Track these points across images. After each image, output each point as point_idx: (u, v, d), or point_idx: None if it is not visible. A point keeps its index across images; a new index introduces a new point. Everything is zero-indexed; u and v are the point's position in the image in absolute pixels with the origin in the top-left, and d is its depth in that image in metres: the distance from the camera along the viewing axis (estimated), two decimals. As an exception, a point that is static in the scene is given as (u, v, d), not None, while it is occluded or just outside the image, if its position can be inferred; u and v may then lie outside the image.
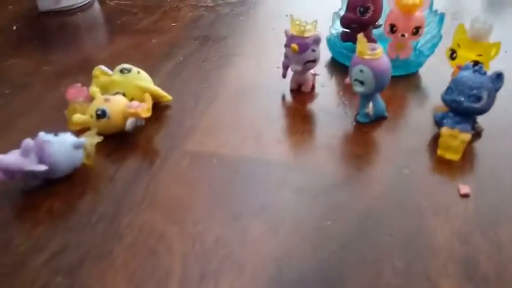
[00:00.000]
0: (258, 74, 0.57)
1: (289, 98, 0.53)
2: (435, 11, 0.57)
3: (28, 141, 0.38)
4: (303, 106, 0.51)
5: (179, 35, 0.68)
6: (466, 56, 0.48)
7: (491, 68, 0.48)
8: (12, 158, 0.38)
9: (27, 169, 0.38)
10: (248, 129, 0.48)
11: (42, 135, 0.39)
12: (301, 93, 0.53)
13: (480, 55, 0.47)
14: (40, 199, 0.40)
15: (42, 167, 0.38)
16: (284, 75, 0.53)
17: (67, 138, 0.40)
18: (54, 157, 0.39)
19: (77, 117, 0.45)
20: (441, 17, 0.55)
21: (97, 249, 0.35)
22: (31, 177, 0.39)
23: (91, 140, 0.41)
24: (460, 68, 0.46)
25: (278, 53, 0.54)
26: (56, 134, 0.40)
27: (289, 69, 0.52)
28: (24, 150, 0.38)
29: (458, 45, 0.49)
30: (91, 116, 0.44)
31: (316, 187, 0.40)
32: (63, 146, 0.39)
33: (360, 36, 0.44)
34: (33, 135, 0.40)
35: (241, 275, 0.33)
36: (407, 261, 0.34)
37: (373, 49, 0.44)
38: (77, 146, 0.40)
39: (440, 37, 0.55)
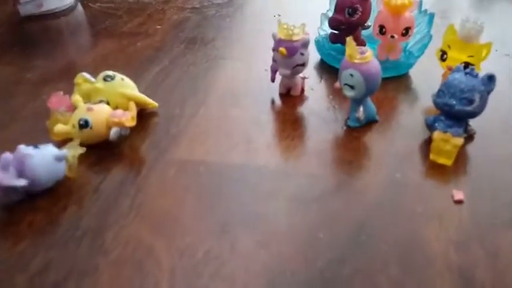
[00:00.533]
0: (246, 78, 0.56)
1: (278, 102, 0.52)
2: (425, 11, 0.56)
3: (6, 156, 0.36)
4: (293, 110, 0.50)
5: (165, 38, 0.67)
6: (457, 57, 0.48)
7: (483, 68, 0.47)
8: None
9: (6, 184, 0.36)
10: (237, 135, 0.46)
11: (22, 148, 0.37)
12: (291, 97, 0.52)
13: (471, 56, 0.47)
14: (21, 214, 0.38)
15: (22, 182, 0.36)
16: (273, 79, 0.52)
17: (48, 150, 0.38)
18: (35, 171, 0.37)
19: (59, 127, 0.43)
20: (431, 17, 0.55)
21: (82, 265, 0.34)
22: (11, 192, 0.37)
23: (73, 151, 0.40)
24: (450, 69, 0.45)
25: (266, 56, 0.53)
26: (36, 146, 0.38)
27: (278, 73, 0.51)
28: (3, 164, 0.36)
29: (449, 46, 0.49)
30: (73, 126, 0.43)
31: (308, 195, 0.39)
32: (44, 159, 0.38)
33: (349, 40, 0.43)
34: (14, 146, 0.38)
35: (232, 290, 0.32)
36: (403, 271, 0.33)
37: (362, 52, 0.43)
38: (59, 158, 0.38)
39: (430, 37, 0.54)
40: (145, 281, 0.33)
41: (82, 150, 0.40)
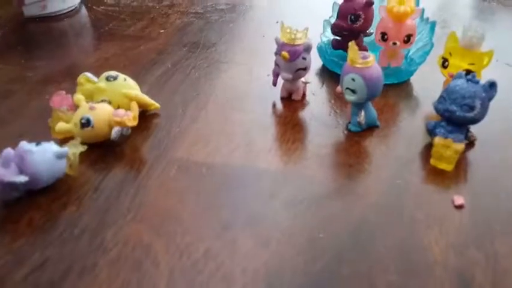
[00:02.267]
0: (248, 82, 0.56)
1: (279, 106, 0.52)
2: (427, 19, 0.56)
3: (8, 151, 0.36)
4: (294, 114, 0.50)
5: (168, 42, 0.67)
6: (458, 64, 0.48)
7: (483, 76, 0.47)
8: None
9: (6, 180, 0.36)
10: (238, 137, 0.47)
11: (23, 144, 0.37)
12: (292, 101, 0.52)
13: (472, 64, 0.47)
14: (20, 211, 0.38)
15: (23, 178, 0.36)
16: (275, 83, 0.53)
17: (49, 148, 0.38)
18: (36, 167, 0.37)
19: (61, 125, 0.43)
20: (433, 25, 0.55)
21: (80, 263, 0.34)
22: (11, 189, 0.37)
23: (74, 149, 0.40)
24: (452, 76, 0.46)
25: (268, 61, 0.53)
26: (38, 143, 0.38)
27: (280, 77, 0.51)
28: (4, 160, 0.36)
29: (450, 54, 0.49)
30: (75, 125, 0.43)
31: (308, 197, 0.39)
32: (45, 156, 0.38)
33: (352, 44, 0.43)
34: (16, 144, 0.38)
35: (231, 290, 0.32)
36: (402, 274, 0.33)
37: (364, 57, 0.43)
38: (59, 156, 0.38)
39: (432, 45, 0.54)
40: (143, 280, 0.33)
41: (83, 148, 0.40)
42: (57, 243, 0.35)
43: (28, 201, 0.39)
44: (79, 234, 0.36)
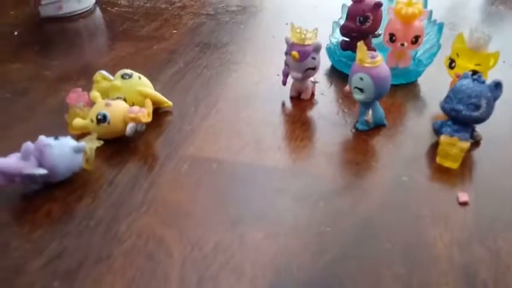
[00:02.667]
0: (258, 81, 0.58)
1: (289, 105, 0.53)
2: (434, 21, 0.57)
3: (28, 144, 0.38)
4: (303, 113, 0.52)
5: (180, 42, 0.69)
6: (465, 65, 0.49)
7: (490, 77, 0.48)
8: (12, 161, 0.38)
9: (26, 172, 0.38)
10: (248, 135, 0.48)
11: (42, 138, 0.39)
12: (301, 100, 0.54)
13: (479, 64, 0.48)
14: (39, 203, 0.39)
15: (42, 171, 0.38)
16: (284, 83, 0.54)
17: (67, 142, 0.40)
18: (54, 161, 0.39)
19: (78, 121, 0.45)
20: (440, 26, 0.56)
21: (95, 254, 0.35)
22: (30, 181, 0.39)
23: (91, 144, 0.41)
24: (458, 77, 0.46)
25: (278, 61, 0.54)
26: (56, 138, 0.40)
27: (290, 77, 0.52)
28: (24, 153, 0.38)
29: (457, 55, 0.50)
30: (92, 121, 0.45)
31: (315, 193, 0.40)
32: (63, 150, 0.39)
33: (360, 44, 0.44)
34: (34, 139, 0.40)
35: (240, 280, 0.33)
36: (407, 268, 0.34)
37: (373, 57, 0.44)
38: (77, 150, 0.40)
39: (439, 46, 0.55)
40: (156, 271, 0.34)
41: (99, 143, 0.42)
42: (74, 233, 0.37)
43: (46, 193, 0.40)
44: (95, 225, 0.38)
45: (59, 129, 0.46)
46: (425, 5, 0.56)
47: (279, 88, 0.54)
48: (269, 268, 0.34)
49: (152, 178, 0.42)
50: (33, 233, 0.37)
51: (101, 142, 0.42)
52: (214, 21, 0.76)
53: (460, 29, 0.70)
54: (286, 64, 0.52)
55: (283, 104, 0.53)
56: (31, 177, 0.38)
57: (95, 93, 0.47)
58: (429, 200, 0.39)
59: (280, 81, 0.54)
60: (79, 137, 0.43)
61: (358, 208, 0.39)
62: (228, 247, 0.36)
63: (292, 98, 0.54)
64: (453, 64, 0.50)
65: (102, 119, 0.44)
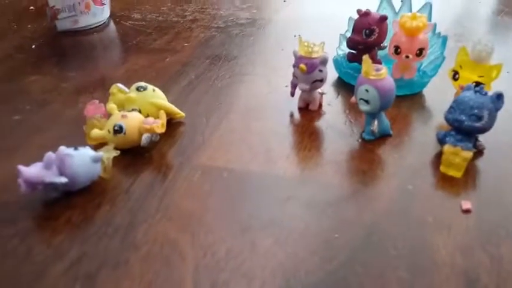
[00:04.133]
0: (267, 93, 0.60)
1: (297, 115, 0.55)
2: (438, 34, 0.59)
3: (50, 154, 0.40)
4: (311, 123, 0.53)
5: (192, 55, 0.71)
6: (468, 77, 0.50)
7: (494, 88, 0.49)
8: (35, 170, 0.40)
9: (48, 181, 0.40)
10: (257, 145, 0.50)
11: (63, 148, 0.41)
12: (309, 111, 0.55)
13: (482, 76, 0.49)
14: (59, 210, 0.42)
15: (63, 179, 0.40)
16: (292, 94, 0.56)
17: (87, 152, 0.42)
18: (75, 170, 0.41)
19: (95, 132, 0.47)
20: (444, 39, 0.57)
21: (114, 259, 0.37)
22: (51, 189, 0.41)
23: (108, 154, 0.43)
24: (462, 88, 0.48)
25: (287, 73, 0.56)
26: (76, 148, 0.42)
27: (298, 88, 0.54)
28: (47, 162, 0.40)
29: (461, 67, 0.51)
30: (109, 131, 0.47)
31: (323, 201, 0.42)
32: (83, 160, 0.41)
33: (366, 57, 0.46)
34: (53, 150, 0.42)
35: (251, 285, 0.35)
36: (412, 273, 0.35)
37: (378, 70, 0.46)
38: (95, 160, 0.42)
39: (443, 58, 0.57)
40: (171, 275, 0.36)
41: (116, 153, 0.44)
42: (93, 239, 0.39)
43: (66, 201, 0.42)
44: (113, 232, 0.39)
45: (78, 139, 0.48)
46: (430, 19, 0.57)
47: (287, 99, 0.56)
48: (279, 273, 0.35)
49: (166, 186, 0.44)
50: (54, 238, 0.39)
51: (118, 152, 0.44)
52: (224, 34, 0.78)
53: (465, 40, 0.71)
54: (294, 76, 0.54)
55: (291, 115, 0.55)
56: (53, 185, 0.40)
57: (111, 105, 0.49)
58: (433, 207, 0.41)
59: (288, 92, 0.56)
60: (96, 147, 0.45)
61: (364, 215, 0.40)
62: (239, 253, 0.37)
63: (300, 109, 0.56)
64: (457, 76, 0.52)
65: (119, 130, 0.46)
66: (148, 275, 0.36)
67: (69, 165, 0.40)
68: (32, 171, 0.40)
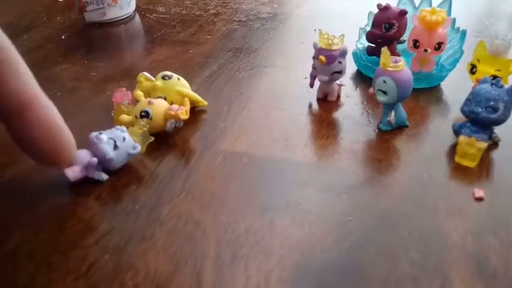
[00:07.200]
0: (287, 84, 0.61)
1: (315, 106, 0.57)
2: (457, 28, 0.60)
3: (94, 160, 0.43)
4: (329, 114, 0.55)
5: (214, 47, 0.73)
6: (486, 70, 0.51)
7: (510, 82, 0.50)
8: (79, 172, 0.43)
9: (90, 176, 0.44)
10: (277, 133, 0.51)
11: (116, 129, 0.46)
12: (327, 102, 0.57)
13: (499, 70, 0.50)
14: (89, 188, 0.44)
15: (105, 176, 0.44)
16: (311, 85, 0.57)
17: (127, 146, 0.45)
18: (113, 161, 0.44)
19: (123, 117, 0.49)
20: (463, 33, 0.58)
21: (140, 233, 0.39)
22: (97, 167, 0.45)
23: (144, 139, 0.47)
24: (479, 81, 0.49)
25: (306, 65, 0.58)
26: (116, 148, 0.45)
27: (317, 80, 0.56)
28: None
29: (478, 61, 0.52)
30: (136, 117, 0.49)
31: (339, 186, 0.43)
32: (122, 155, 0.45)
33: (384, 49, 0.47)
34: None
35: (269, 259, 0.37)
36: (423, 255, 0.36)
37: (396, 61, 0.47)
38: (131, 154, 0.46)
39: (462, 52, 0.57)
40: (194, 248, 0.38)
41: (151, 139, 0.47)
42: (121, 215, 0.41)
43: (95, 180, 0.45)
44: (139, 209, 0.42)
45: (106, 124, 0.50)
46: (449, 13, 0.58)
47: (306, 90, 0.58)
48: (295, 250, 0.37)
49: (189, 169, 0.47)
50: (86, 213, 0.42)
51: (152, 138, 0.48)
52: (245, 28, 0.80)
53: (484, 36, 0.72)
54: (313, 67, 0.56)
55: (310, 105, 0.57)
56: (103, 163, 0.44)
57: (138, 92, 0.52)
58: (447, 194, 0.42)
59: (307, 83, 0.58)
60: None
61: (378, 200, 0.42)
62: (258, 231, 0.39)
63: (319, 100, 0.57)
64: (474, 69, 0.53)
65: (145, 115, 0.49)
66: (172, 247, 0.38)
67: (119, 146, 0.44)
68: (77, 175, 0.43)
